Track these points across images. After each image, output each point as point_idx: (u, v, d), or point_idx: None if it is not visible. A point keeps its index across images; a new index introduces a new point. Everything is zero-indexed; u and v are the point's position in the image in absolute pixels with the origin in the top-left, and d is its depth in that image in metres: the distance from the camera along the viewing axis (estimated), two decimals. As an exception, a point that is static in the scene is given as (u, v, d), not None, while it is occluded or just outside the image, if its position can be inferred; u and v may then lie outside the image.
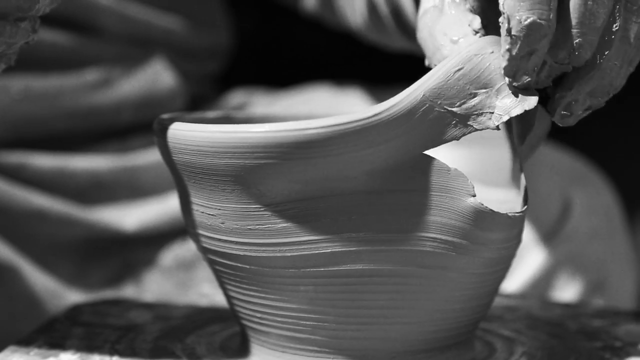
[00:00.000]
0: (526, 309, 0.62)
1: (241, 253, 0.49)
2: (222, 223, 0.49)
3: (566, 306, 0.63)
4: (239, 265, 0.49)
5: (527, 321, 0.59)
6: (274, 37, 1.14)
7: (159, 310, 0.61)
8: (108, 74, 0.78)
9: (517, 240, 0.52)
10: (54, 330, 0.57)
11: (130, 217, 0.75)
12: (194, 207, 0.50)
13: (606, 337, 0.56)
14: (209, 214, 0.49)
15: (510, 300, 0.64)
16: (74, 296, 0.73)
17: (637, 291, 0.86)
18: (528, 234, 0.77)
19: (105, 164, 0.76)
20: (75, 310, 0.61)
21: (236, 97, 0.88)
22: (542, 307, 0.63)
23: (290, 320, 0.50)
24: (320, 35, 1.11)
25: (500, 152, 0.58)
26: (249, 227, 0.48)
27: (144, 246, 0.76)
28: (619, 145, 1.17)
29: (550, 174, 0.79)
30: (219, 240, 0.50)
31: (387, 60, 1.05)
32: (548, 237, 0.78)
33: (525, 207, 0.50)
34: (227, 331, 0.57)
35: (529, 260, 0.78)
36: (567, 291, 0.79)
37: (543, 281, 0.78)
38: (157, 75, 0.79)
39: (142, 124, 0.78)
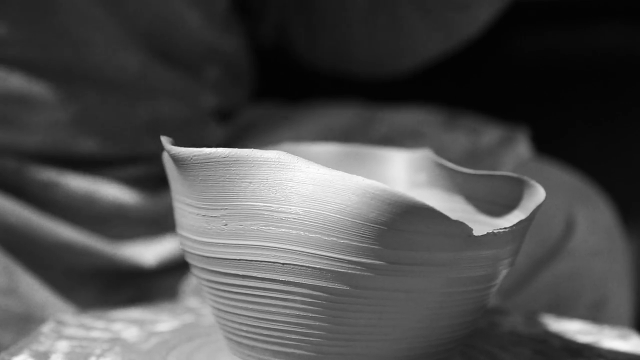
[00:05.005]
0: (510, 324, 0.62)
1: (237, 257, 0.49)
2: (225, 225, 0.49)
3: (550, 322, 0.63)
4: (232, 272, 0.50)
5: (511, 337, 0.59)
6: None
7: (145, 324, 0.61)
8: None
9: (507, 257, 0.51)
10: (38, 343, 0.57)
11: (150, 252, 0.76)
12: (193, 210, 0.51)
13: (590, 354, 0.56)
14: (211, 216, 0.50)
15: (494, 315, 0.64)
16: None
17: (634, 310, 0.86)
18: (532, 251, 0.78)
19: (132, 197, 0.76)
20: (61, 324, 0.61)
21: (245, 115, 0.88)
22: (526, 323, 0.63)
23: (276, 334, 0.50)
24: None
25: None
26: (252, 227, 0.48)
27: (162, 278, 0.77)
28: (616, 162, 1.17)
29: (554, 192, 0.80)
30: (218, 244, 0.50)
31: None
32: (551, 254, 0.79)
33: (513, 226, 0.50)
34: (213, 346, 0.57)
35: (533, 279, 0.79)
36: (569, 310, 0.79)
37: (546, 299, 0.78)
38: None
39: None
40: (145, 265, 0.75)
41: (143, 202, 0.76)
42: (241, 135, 0.85)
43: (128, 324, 0.61)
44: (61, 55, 0.74)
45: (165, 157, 0.54)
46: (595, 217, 0.81)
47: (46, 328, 0.60)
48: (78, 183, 0.75)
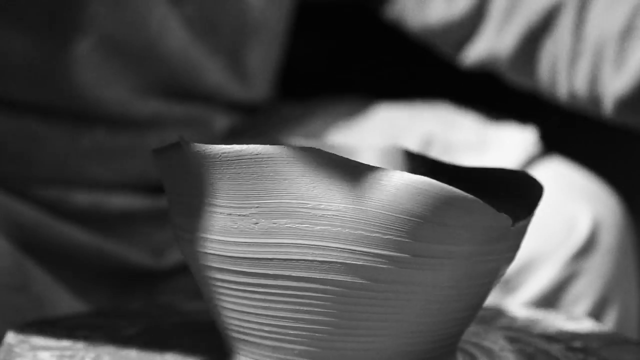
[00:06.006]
0: (508, 321, 0.63)
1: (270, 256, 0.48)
2: (256, 223, 0.47)
3: (549, 319, 0.64)
4: (261, 272, 0.48)
5: (508, 333, 0.60)
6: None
7: (142, 323, 0.59)
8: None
9: (508, 252, 0.52)
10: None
11: (162, 254, 0.76)
12: (215, 209, 0.49)
13: (587, 354, 0.57)
14: (239, 215, 0.48)
15: (492, 311, 0.64)
16: None
17: None
18: (539, 248, 0.79)
19: (140, 205, 0.76)
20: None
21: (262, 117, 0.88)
22: (525, 319, 0.63)
23: (278, 330, 0.49)
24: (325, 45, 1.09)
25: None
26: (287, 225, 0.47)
27: (175, 280, 0.76)
28: (618, 157, 1.18)
29: (563, 189, 0.81)
30: (244, 244, 0.48)
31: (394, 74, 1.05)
32: (559, 252, 0.80)
33: (528, 219, 0.51)
34: (209, 343, 0.55)
35: (539, 275, 0.79)
36: (576, 307, 0.80)
37: (552, 296, 0.79)
38: None
39: None
40: (157, 267, 0.75)
41: (153, 206, 0.76)
42: (246, 133, 0.85)
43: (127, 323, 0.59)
44: (76, 106, 0.74)
45: (174, 156, 0.51)
46: (603, 214, 0.82)
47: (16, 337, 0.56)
48: (84, 197, 0.75)
